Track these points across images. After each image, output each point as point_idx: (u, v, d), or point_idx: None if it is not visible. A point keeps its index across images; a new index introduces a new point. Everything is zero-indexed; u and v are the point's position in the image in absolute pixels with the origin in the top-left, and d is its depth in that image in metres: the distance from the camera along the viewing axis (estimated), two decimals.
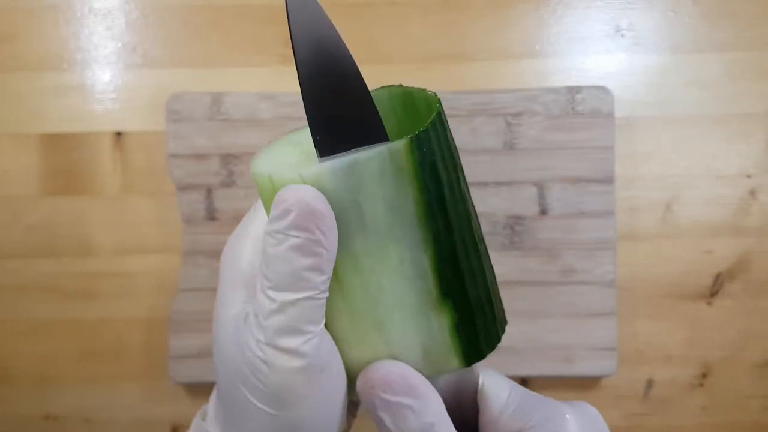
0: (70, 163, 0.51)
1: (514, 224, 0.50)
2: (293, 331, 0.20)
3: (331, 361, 0.22)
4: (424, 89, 0.24)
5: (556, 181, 0.50)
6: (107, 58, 0.52)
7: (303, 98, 0.21)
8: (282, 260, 0.20)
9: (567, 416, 0.23)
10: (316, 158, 0.21)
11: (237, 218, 0.49)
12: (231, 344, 0.22)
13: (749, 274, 0.52)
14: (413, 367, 0.22)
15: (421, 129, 0.20)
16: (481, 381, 0.24)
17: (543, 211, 0.50)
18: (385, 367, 0.22)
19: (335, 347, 0.22)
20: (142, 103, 0.51)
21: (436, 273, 0.22)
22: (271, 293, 0.20)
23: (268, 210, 0.22)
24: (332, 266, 0.20)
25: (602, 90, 0.50)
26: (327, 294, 0.21)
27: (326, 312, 0.22)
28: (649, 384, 0.52)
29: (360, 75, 0.21)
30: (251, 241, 0.23)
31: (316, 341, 0.21)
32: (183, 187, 0.50)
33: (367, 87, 0.21)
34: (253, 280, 0.22)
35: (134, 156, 0.51)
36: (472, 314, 0.23)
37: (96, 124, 0.52)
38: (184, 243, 0.50)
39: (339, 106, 0.21)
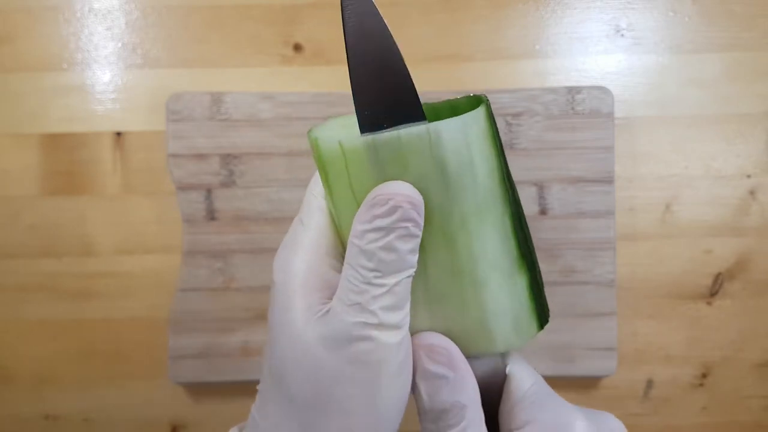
0: (70, 163, 0.51)
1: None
2: (396, 307, 0.22)
3: (408, 331, 0.23)
4: (468, 95, 0.26)
5: (556, 181, 0.50)
6: (107, 58, 0.52)
7: (351, 80, 0.23)
8: (388, 250, 0.22)
9: (578, 423, 0.24)
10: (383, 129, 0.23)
11: (237, 218, 0.50)
12: (314, 348, 0.22)
13: (749, 274, 0.52)
14: (500, 335, 0.24)
15: (485, 100, 0.23)
16: (509, 369, 0.25)
17: (543, 211, 0.50)
18: (433, 337, 0.24)
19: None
20: (142, 103, 0.52)
21: (515, 234, 0.24)
22: (378, 281, 0.22)
23: (341, 180, 0.23)
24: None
25: (602, 90, 0.50)
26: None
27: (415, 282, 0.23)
28: (649, 384, 0.52)
29: (403, 61, 0.24)
30: (306, 251, 0.24)
31: (408, 312, 0.23)
32: (183, 187, 0.50)
33: (408, 72, 0.24)
34: (322, 283, 0.23)
35: (134, 156, 0.51)
36: (538, 276, 0.26)
37: (96, 124, 0.52)
38: (184, 243, 0.50)
39: (384, 88, 0.24)
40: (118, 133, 0.52)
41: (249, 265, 0.49)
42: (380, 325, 0.22)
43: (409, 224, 0.22)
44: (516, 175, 0.50)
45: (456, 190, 0.23)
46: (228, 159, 0.50)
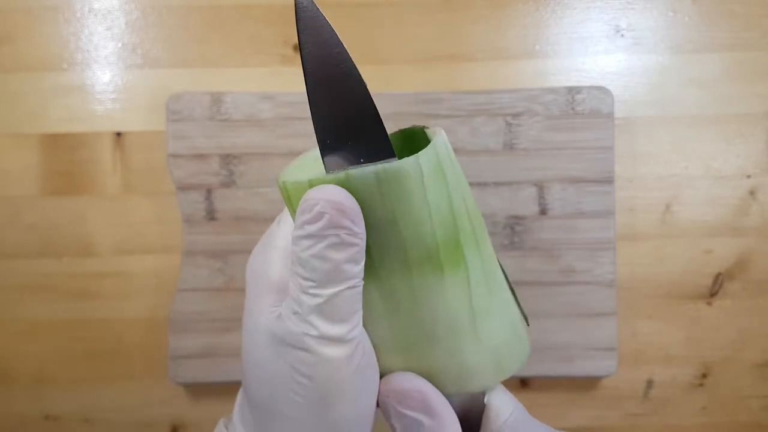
0: (70, 163, 0.51)
1: (514, 224, 0.50)
2: (339, 320, 0.21)
3: (369, 352, 0.22)
4: (423, 126, 0.25)
5: (556, 181, 0.50)
6: (107, 58, 0.52)
7: (312, 115, 0.22)
8: (320, 259, 0.21)
9: None
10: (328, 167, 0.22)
11: (237, 218, 0.50)
12: (267, 349, 0.22)
13: (749, 274, 0.52)
14: (483, 374, 0.23)
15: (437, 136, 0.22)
16: (487, 398, 0.24)
17: (543, 211, 0.50)
18: (405, 380, 0.22)
19: (371, 344, 0.23)
20: (142, 103, 0.52)
21: (488, 272, 0.23)
22: (314, 291, 0.21)
23: (291, 211, 0.23)
24: (364, 252, 0.21)
25: (602, 90, 0.50)
26: (362, 282, 0.22)
27: (366, 314, 0.23)
28: (649, 384, 0.52)
29: (369, 95, 0.22)
30: (278, 252, 0.24)
31: (359, 327, 0.22)
32: (183, 187, 0.50)
33: (375, 106, 0.22)
34: (280, 286, 0.23)
35: (134, 156, 0.51)
36: (520, 308, 0.26)
37: (96, 124, 0.52)
38: (184, 243, 0.50)
39: (348, 125, 0.22)
40: (118, 133, 0.52)
41: None
42: (321, 338, 0.21)
43: (340, 232, 0.20)
44: (516, 175, 0.50)
45: (413, 233, 0.21)
46: (228, 159, 0.50)
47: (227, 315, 0.49)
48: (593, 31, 0.52)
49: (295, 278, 0.21)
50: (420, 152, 0.21)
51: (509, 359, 0.24)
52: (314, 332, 0.21)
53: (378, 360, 0.23)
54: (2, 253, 0.51)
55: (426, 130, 0.25)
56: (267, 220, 0.49)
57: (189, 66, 0.52)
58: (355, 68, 0.22)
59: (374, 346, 0.23)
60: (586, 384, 0.52)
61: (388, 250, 0.22)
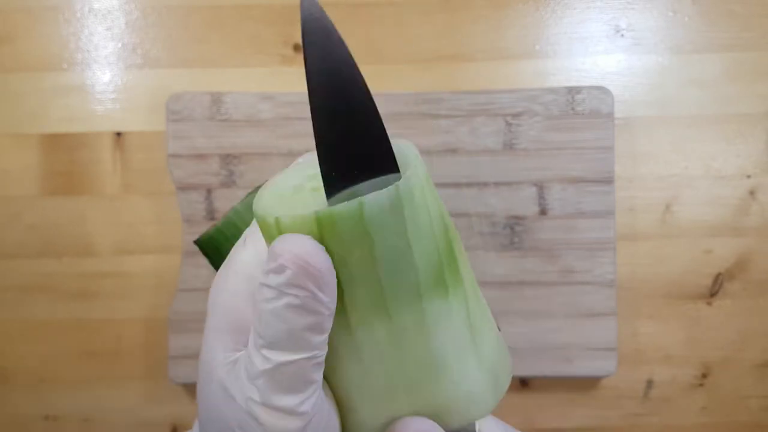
0: (70, 163, 0.51)
1: (514, 224, 0.50)
2: (289, 390, 0.18)
3: (330, 420, 0.20)
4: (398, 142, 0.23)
5: (556, 181, 0.50)
6: (107, 58, 0.52)
7: (315, 133, 0.20)
8: (277, 318, 0.18)
9: None
10: (324, 197, 0.20)
11: None
12: (218, 398, 0.20)
13: (749, 274, 0.52)
14: (479, 402, 0.21)
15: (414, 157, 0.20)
16: (478, 427, 0.23)
17: (543, 211, 0.50)
18: (422, 425, 0.20)
19: (333, 406, 0.21)
20: (142, 103, 0.52)
21: (471, 295, 0.22)
22: (265, 352, 0.18)
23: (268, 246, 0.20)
24: (331, 323, 0.19)
25: (602, 90, 0.50)
26: (325, 352, 0.19)
27: (330, 369, 0.20)
28: (649, 384, 0.52)
29: (376, 110, 0.20)
30: (239, 279, 0.21)
31: (314, 399, 0.19)
32: (183, 187, 0.50)
33: (381, 121, 0.20)
34: (240, 323, 0.20)
35: (134, 156, 0.51)
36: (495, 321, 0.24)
37: (96, 124, 0.52)
38: (184, 243, 0.50)
39: (352, 144, 0.20)
40: (118, 133, 0.52)
41: None
42: (265, 405, 0.18)
43: (300, 293, 0.17)
44: (516, 175, 0.50)
45: (424, 254, 0.19)
46: (228, 159, 0.50)
47: None
48: (593, 31, 0.52)
49: (252, 330, 0.19)
50: (411, 162, 0.20)
51: (504, 376, 0.23)
52: (257, 398, 0.18)
53: (359, 417, 0.21)
54: (2, 253, 0.51)
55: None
56: None
57: (189, 66, 0.52)
58: (361, 78, 0.20)
59: (353, 404, 0.21)
60: (586, 384, 0.52)
61: (401, 281, 0.19)
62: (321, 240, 0.18)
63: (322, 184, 0.20)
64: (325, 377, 0.20)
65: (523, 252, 0.50)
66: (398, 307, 0.19)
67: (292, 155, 0.50)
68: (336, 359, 0.20)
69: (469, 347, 0.21)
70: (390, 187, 0.18)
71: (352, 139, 0.19)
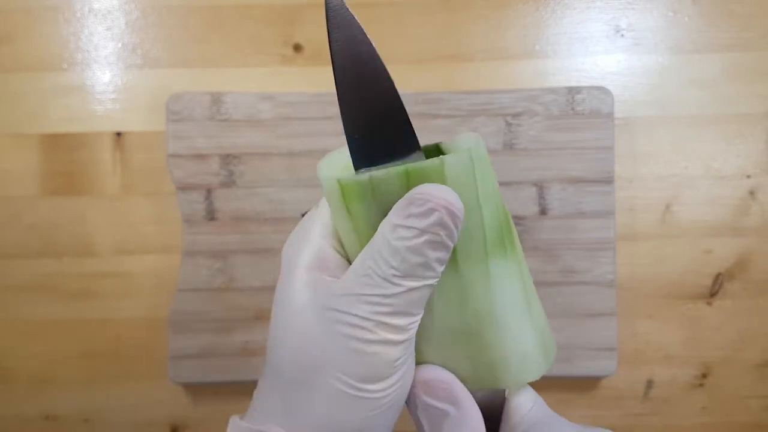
0: (70, 163, 0.51)
1: (514, 224, 0.50)
2: (407, 312, 0.21)
3: (413, 345, 0.23)
4: (436, 144, 0.26)
5: (556, 181, 0.50)
6: (107, 58, 0.52)
7: (342, 114, 0.22)
8: (415, 252, 0.21)
9: None
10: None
11: (237, 218, 0.50)
12: (314, 327, 0.22)
13: (749, 274, 0.52)
14: (516, 371, 0.23)
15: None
16: (508, 391, 0.24)
17: (543, 211, 0.50)
18: (433, 372, 0.23)
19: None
20: (142, 103, 0.52)
21: (524, 267, 0.25)
22: (397, 280, 0.21)
23: (340, 206, 0.22)
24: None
25: (602, 90, 0.50)
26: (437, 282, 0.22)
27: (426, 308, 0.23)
28: (649, 384, 0.52)
29: (395, 91, 0.23)
30: (319, 230, 0.24)
31: (417, 324, 0.22)
32: (183, 187, 0.50)
33: (402, 103, 0.23)
34: (323, 266, 0.23)
35: (134, 156, 0.51)
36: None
37: (96, 124, 0.52)
38: (184, 243, 0.49)
39: (377, 122, 0.23)
40: (118, 133, 0.52)
41: (249, 265, 0.49)
42: (384, 324, 0.21)
43: (442, 232, 0.21)
44: (516, 175, 0.50)
45: (490, 213, 0.22)
46: (228, 159, 0.50)
47: (227, 315, 0.49)
48: (593, 31, 0.52)
49: (374, 262, 0.21)
50: (475, 139, 0.23)
51: (551, 347, 0.25)
52: (380, 318, 0.21)
53: (421, 358, 0.23)
54: (2, 253, 0.51)
55: (440, 144, 0.26)
56: (267, 220, 0.49)
57: (189, 66, 0.52)
58: (385, 68, 0.23)
59: (419, 346, 0.23)
60: (586, 384, 0.52)
61: (471, 237, 0.22)
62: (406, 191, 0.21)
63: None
64: None
65: (523, 252, 0.50)
66: (467, 262, 0.22)
67: (292, 155, 0.50)
68: None
69: (525, 309, 0.23)
70: (465, 149, 0.22)
71: (377, 127, 0.22)
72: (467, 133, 0.25)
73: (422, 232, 0.21)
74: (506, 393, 0.24)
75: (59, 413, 0.52)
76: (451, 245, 0.21)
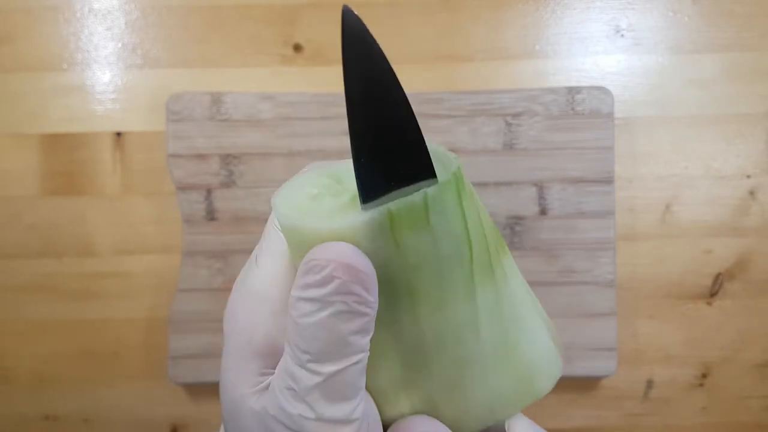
0: (70, 163, 0.51)
1: (514, 224, 0.50)
2: (342, 399, 0.18)
3: (375, 418, 0.20)
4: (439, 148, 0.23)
5: (556, 181, 0.50)
6: (107, 58, 0.52)
7: (351, 140, 0.19)
8: (323, 329, 0.18)
9: None
10: (358, 204, 0.19)
11: (237, 218, 0.50)
12: (252, 423, 0.19)
13: (749, 274, 0.52)
14: (512, 403, 0.21)
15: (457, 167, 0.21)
16: (507, 424, 0.22)
17: (543, 211, 0.50)
18: (425, 424, 0.20)
19: (374, 405, 0.21)
20: (142, 103, 0.52)
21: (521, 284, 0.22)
22: (312, 366, 0.18)
23: (296, 257, 0.20)
24: (374, 322, 0.19)
25: (602, 90, 0.50)
26: (368, 355, 0.19)
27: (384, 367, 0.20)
28: (649, 384, 0.52)
29: (414, 117, 0.20)
30: (259, 299, 0.20)
31: (363, 403, 0.19)
32: (183, 187, 0.50)
33: (419, 128, 0.20)
34: (262, 346, 0.20)
35: (134, 156, 0.51)
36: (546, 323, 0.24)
37: (96, 124, 0.52)
38: (184, 243, 0.49)
39: (391, 155, 0.19)
40: (118, 133, 0.52)
41: None
42: (320, 420, 0.18)
43: (349, 299, 0.18)
44: (516, 175, 0.50)
45: (477, 237, 0.20)
46: (228, 159, 0.50)
47: None
48: (593, 31, 0.52)
49: (291, 348, 0.18)
50: (451, 157, 0.20)
51: (554, 358, 0.23)
52: (312, 415, 0.18)
53: (385, 412, 0.21)
54: (2, 253, 0.51)
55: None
56: (267, 220, 0.49)
57: (189, 66, 0.52)
58: (400, 87, 0.19)
59: (384, 399, 0.21)
60: (586, 384, 0.52)
61: (454, 270, 0.20)
62: (391, 234, 0.19)
63: (339, 191, 0.20)
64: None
65: (523, 252, 0.50)
66: (453, 298, 0.20)
67: (292, 155, 0.50)
68: (380, 358, 0.20)
69: (511, 343, 0.21)
70: (446, 177, 0.19)
71: (390, 147, 0.19)
72: (435, 147, 0.22)
73: (324, 304, 0.18)
74: (506, 426, 0.23)
75: (59, 413, 0.52)
76: (369, 311, 0.18)
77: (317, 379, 0.18)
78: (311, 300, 0.18)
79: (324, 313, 0.18)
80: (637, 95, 0.52)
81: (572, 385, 0.51)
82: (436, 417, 0.21)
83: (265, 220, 0.51)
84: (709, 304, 0.52)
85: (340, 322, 0.18)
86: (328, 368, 0.18)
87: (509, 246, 0.49)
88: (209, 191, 0.50)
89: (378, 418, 0.20)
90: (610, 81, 0.52)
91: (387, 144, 0.19)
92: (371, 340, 0.19)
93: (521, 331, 0.22)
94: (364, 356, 0.19)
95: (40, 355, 0.51)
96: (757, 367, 0.52)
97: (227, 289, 0.49)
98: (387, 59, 0.19)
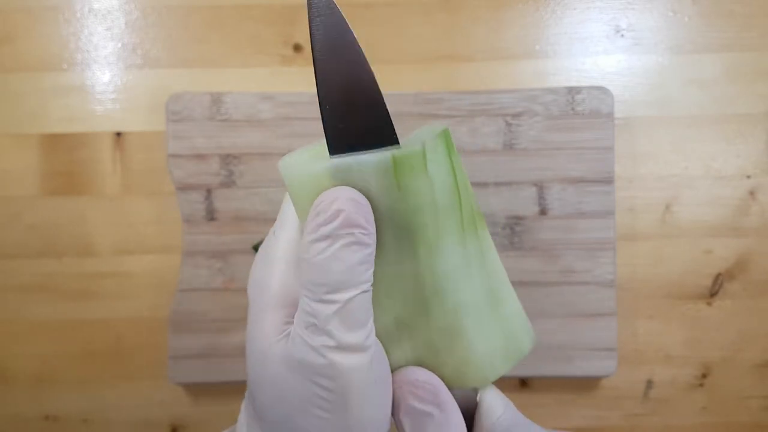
0: (70, 163, 0.51)
1: (514, 224, 0.50)
2: (356, 326, 0.21)
3: (384, 356, 0.23)
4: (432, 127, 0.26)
5: (556, 181, 0.50)
6: (107, 58, 0.52)
7: (319, 101, 0.22)
8: (335, 260, 0.20)
9: None
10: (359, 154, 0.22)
11: (237, 218, 0.50)
12: (280, 370, 0.21)
13: (749, 275, 0.52)
14: (489, 367, 0.23)
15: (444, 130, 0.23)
16: (479, 396, 0.24)
17: (543, 212, 0.50)
18: (419, 372, 0.23)
19: (382, 347, 0.23)
20: (142, 103, 0.52)
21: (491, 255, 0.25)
22: (329, 296, 0.20)
23: (301, 212, 0.22)
24: (374, 256, 0.21)
25: (602, 90, 0.50)
26: (371, 286, 0.21)
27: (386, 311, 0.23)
28: (649, 384, 0.52)
29: (375, 81, 0.23)
30: (280, 262, 0.23)
31: (373, 331, 0.21)
32: (183, 187, 0.50)
33: (381, 93, 0.23)
34: (289, 299, 0.22)
35: (134, 156, 0.51)
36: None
37: (96, 124, 0.52)
38: (184, 243, 0.49)
39: (355, 111, 0.22)
40: (118, 133, 0.52)
41: (249, 265, 0.49)
42: (340, 347, 0.20)
43: (354, 230, 0.20)
44: (516, 175, 0.50)
45: (465, 191, 0.23)
46: (228, 159, 0.50)
47: (227, 315, 0.49)
48: (593, 31, 0.52)
49: (307, 287, 0.21)
50: (439, 127, 0.23)
51: (523, 335, 0.25)
52: (332, 342, 0.20)
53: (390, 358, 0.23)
54: (2, 253, 0.51)
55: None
56: (267, 220, 0.49)
57: (189, 66, 0.52)
58: (364, 56, 0.23)
59: (389, 338, 0.23)
60: (586, 384, 0.52)
61: (448, 216, 0.22)
62: (395, 177, 0.21)
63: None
64: None
65: (523, 252, 0.50)
66: (446, 243, 0.22)
67: None
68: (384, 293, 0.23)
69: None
70: (434, 135, 0.22)
71: (355, 114, 0.22)
72: (428, 125, 0.25)
73: (336, 237, 0.20)
74: (477, 398, 0.24)
75: (59, 413, 0.52)
76: (371, 242, 0.21)
77: (334, 307, 0.20)
78: (323, 238, 0.20)
79: (336, 245, 0.20)
80: (637, 95, 0.52)
81: (572, 385, 0.51)
82: (438, 368, 0.23)
83: (266, 220, 0.52)
84: (709, 304, 0.52)
85: (350, 252, 0.20)
86: (343, 295, 0.20)
87: (509, 246, 0.50)
88: (209, 191, 0.50)
89: (383, 350, 0.23)
90: (610, 81, 0.52)
91: (351, 102, 0.22)
92: (378, 279, 0.22)
93: (504, 289, 0.24)
94: (368, 287, 0.21)
95: (40, 355, 0.51)
96: (757, 367, 0.52)
97: (227, 289, 0.49)
98: (350, 27, 0.22)
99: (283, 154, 0.50)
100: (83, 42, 0.52)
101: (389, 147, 0.22)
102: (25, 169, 0.51)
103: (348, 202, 0.20)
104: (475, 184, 0.49)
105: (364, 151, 0.22)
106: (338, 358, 0.20)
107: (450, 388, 0.23)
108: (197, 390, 0.51)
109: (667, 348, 0.52)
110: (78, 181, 0.51)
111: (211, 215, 0.50)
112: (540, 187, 0.50)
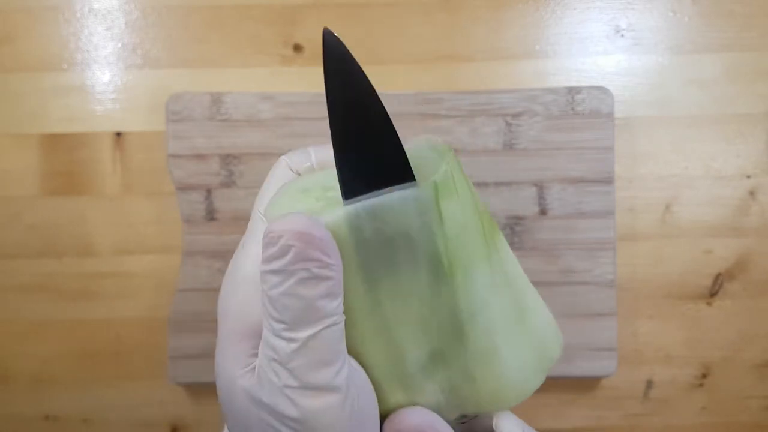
0: (70, 163, 0.51)
1: (514, 224, 0.50)
2: (322, 363, 0.19)
3: (365, 389, 0.21)
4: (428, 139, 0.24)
5: (556, 181, 0.50)
6: (107, 58, 0.52)
7: (333, 142, 0.21)
8: (291, 297, 0.19)
9: None
10: (341, 201, 0.20)
11: (237, 218, 0.50)
12: (246, 405, 0.20)
13: (749, 275, 0.52)
14: (513, 391, 0.22)
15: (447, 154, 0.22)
16: (495, 422, 0.23)
17: (543, 212, 0.50)
18: (417, 416, 0.21)
19: (367, 377, 0.21)
20: (142, 103, 0.52)
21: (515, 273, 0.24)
22: (287, 334, 0.19)
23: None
24: (341, 285, 0.19)
25: (602, 90, 0.50)
26: (344, 318, 0.20)
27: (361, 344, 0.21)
28: (649, 384, 0.52)
29: (389, 120, 0.21)
30: (248, 282, 0.21)
31: (346, 370, 0.20)
32: (183, 187, 0.50)
33: (395, 131, 0.21)
34: (254, 328, 0.21)
35: (134, 156, 0.51)
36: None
37: (96, 124, 0.52)
38: (184, 243, 0.50)
39: (368, 151, 0.20)
40: (118, 133, 0.52)
41: None
42: (305, 387, 0.19)
43: (310, 265, 0.18)
44: (516, 175, 0.50)
45: (485, 211, 0.22)
46: (228, 159, 0.50)
47: None
48: (593, 31, 0.52)
49: (266, 320, 0.19)
50: (445, 150, 0.22)
51: (553, 342, 0.24)
52: (295, 383, 0.19)
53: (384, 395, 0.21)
54: (2, 253, 0.51)
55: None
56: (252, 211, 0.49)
57: (189, 66, 0.52)
58: (377, 98, 0.21)
59: (410, 384, 0.21)
60: (586, 384, 0.52)
61: (475, 235, 0.21)
62: (436, 205, 0.20)
63: (324, 194, 0.22)
64: (355, 357, 0.21)
65: (523, 252, 0.50)
66: (457, 272, 0.21)
67: None
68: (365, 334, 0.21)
69: (517, 315, 0.22)
70: (446, 159, 0.21)
71: (370, 156, 0.20)
72: (425, 138, 0.23)
73: (288, 273, 0.18)
74: (494, 424, 0.23)
75: (59, 413, 0.52)
76: (332, 274, 0.19)
77: (294, 345, 0.19)
78: (276, 272, 0.19)
79: (289, 282, 0.18)
80: (637, 95, 0.52)
81: (572, 385, 0.51)
82: (474, 394, 0.22)
83: None
84: (709, 304, 0.52)
85: (305, 288, 0.18)
86: (303, 333, 0.19)
87: (510, 246, 0.49)
88: (209, 191, 0.50)
89: (371, 390, 0.21)
90: (610, 81, 0.52)
91: (367, 147, 0.20)
92: (416, 320, 0.20)
93: (528, 297, 0.23)
94: (337, 320, 0.19)
95: (40, 355, 0.52)
96: (757, 367, 0.52)
97: None
98: (365, 75, 0.20)
99: (283, 154, 0.50)
100: (83, 42, 0.52)
101: (407, 184, 0.20)
102: (25, 169, 0.51)
103: (296, 236, 0.18)
104: (476, 185, 0.49)
105: (382, 192, 0.20)
106: (303, 400, 0.19)
107: (481, 413, 0.22)
108: (197, 390, 0.51)
109: (667, 348, 0.52)
110: (78, 181, 0.51)
111: (211, 215, 0.50)
112: (540, 187, 0.50)
